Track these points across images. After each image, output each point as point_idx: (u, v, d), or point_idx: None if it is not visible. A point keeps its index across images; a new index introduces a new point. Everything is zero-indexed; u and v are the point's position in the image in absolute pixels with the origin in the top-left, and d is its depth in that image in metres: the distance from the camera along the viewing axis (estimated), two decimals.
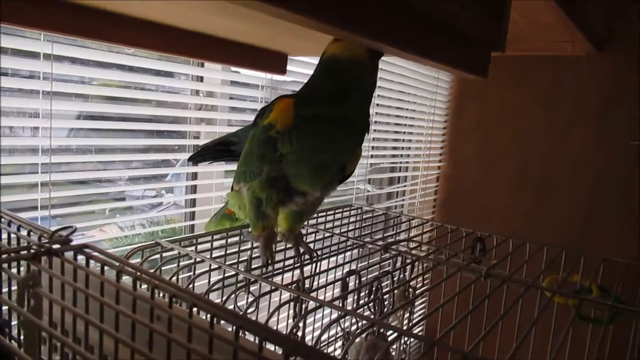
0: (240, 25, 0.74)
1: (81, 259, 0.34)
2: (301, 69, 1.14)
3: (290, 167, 0.62)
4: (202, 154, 0.80)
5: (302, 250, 0.68)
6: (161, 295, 0.32)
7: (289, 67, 1.01)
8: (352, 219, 0.93)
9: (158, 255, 0.65)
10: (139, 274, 0.30)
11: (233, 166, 0.79)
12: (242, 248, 0.72)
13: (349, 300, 0.69)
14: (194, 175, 1.12)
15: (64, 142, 0.87)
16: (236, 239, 0.75)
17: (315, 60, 1.15)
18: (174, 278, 0.61)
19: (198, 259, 0.64)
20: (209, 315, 0.28)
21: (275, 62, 1.00)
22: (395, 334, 0.47)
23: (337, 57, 0.62)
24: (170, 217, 1.14)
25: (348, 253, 0.74)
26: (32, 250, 0.33)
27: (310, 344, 0.33)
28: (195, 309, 0.28)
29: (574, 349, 0.75)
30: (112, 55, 0.86)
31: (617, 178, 1.46)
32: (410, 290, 0.73)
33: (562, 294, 0.68)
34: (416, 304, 1.20)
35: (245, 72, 1.10)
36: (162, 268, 0.64)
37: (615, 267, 0.79)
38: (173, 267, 0.65)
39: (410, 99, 1.57)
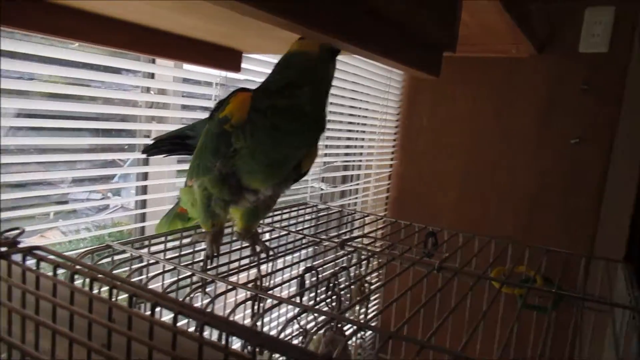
0: (197, 22, 0.73)
1: (31, 263, 0.32)
2: (256, 67, 1.13)
3: (244, 163, 0.61)
4: (157, 146, 0.78)
5: (258, 248, 0.67)
6: (119, 297, 0.31)
7: (243, 65, 1.00)
8: (307, 217, 0.94)
9: (109, 259, 0.63)
10: (96, 274, 0.29)
11: (185, 166, 0.78)
12: (197, 248, 0.71)
13: (307, 297, 0.69)
14: (145, 176, 1.09)
15: (2, 142, 0.82)
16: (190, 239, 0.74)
17: (270, 58, 1.15)
18: None
19: (151, 261, 0.62)
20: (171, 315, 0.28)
21: (229, 59, 0.99)
22: (353, 329, 0.48)
23: (290, 52, 0.62)
24: (117, 220, 1.10)
25: (305, 251, 0.75)
26: None
27: None
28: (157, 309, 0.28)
29: (520, 336, 0.79)
30: (55, 50, 0.82)
31: (558, 174, 1.54)
32: (366, 285, 0.75)
33: (509, 285, 0.72)
34: (371, 298, 1.22)
35: (198, 70, 1.07)
36: (114, 272, 0.62)
37: (556, 259, 0.84)
38: (125, 271, 0.63)
39: (363, 97, 1.59)
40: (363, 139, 1.66)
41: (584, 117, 1.50)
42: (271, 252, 0.68)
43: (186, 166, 0.74)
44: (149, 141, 0.88)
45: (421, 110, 1.77)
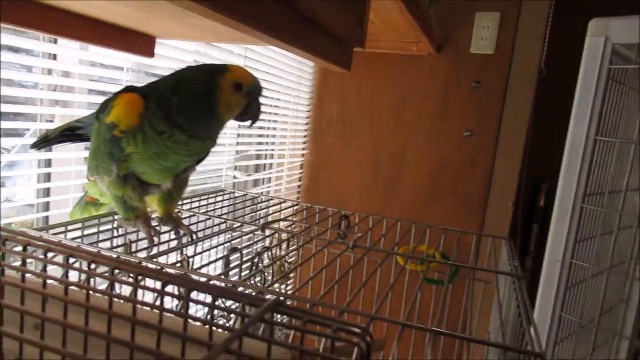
0: (112, 5, 0.71)
1: None
2: (170, 52, 1.11)
3: (137, 166, 0.61)
4: (46, 140, 0.75)
5: (182, 232, 0.69)
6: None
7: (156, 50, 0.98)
8: (225, 203, 0.95)
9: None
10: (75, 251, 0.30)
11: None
12: (115, 234, 0.70)
13: (231, 277, 0.72)
14: (48, 162, 1.03)
15: None
16: (108, 226, 0.73)
17: (184, 44, 1.14)
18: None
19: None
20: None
21: (142, 44, 0.96)
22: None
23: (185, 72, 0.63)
24: (8, 213, 1.02)
25: (227, 235, 0.77)
26: None
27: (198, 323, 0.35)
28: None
29: (423, 307, 0.88)
30: None
31: (452, 163, 1.69)
32: (286, 264, 0.79)
33: (413, 260, 0.80)
34: (290, 277, 1.26)
35: (107, 53, 1.03)
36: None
37: (452, 238, 0.94)
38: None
39: (275, 88, 1.62)
40: (275, 129, 1.69)
41: (474, 112, 1.66)
42: (194, 235, 0.70)
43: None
44: (51, 126, 0.84)
45: (330, 102, 1.85)
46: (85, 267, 0.35)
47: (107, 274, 0.34)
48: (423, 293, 0.91)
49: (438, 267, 0.92)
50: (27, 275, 0.32)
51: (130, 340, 0.26)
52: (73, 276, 0.37)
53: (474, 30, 1.64)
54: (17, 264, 0.34)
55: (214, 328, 0.28)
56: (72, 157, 1.03)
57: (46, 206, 1.03)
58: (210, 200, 0.93)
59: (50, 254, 0.35)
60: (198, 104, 0.60)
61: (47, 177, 1.03)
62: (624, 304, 1.22)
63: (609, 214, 1.20)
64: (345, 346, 0.25)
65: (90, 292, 0.29)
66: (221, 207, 0.92)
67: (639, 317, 1.21)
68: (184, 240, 0.69)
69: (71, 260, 0.32)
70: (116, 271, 0.37)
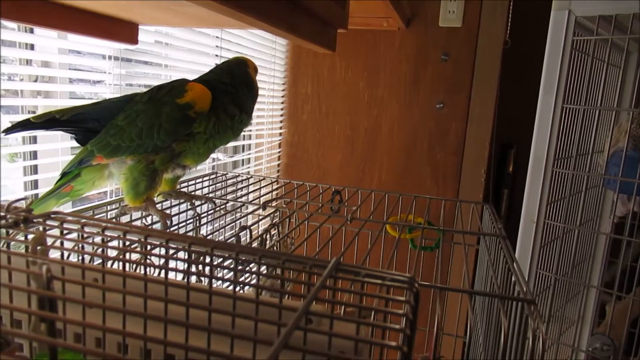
0: None
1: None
2: (151, 37, 1.11)
3: (194, 145, 0.68)
4: (23, 125, 0.74)
5: (197, 202, 0.73)
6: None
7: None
8: (218, 185, 0.98)
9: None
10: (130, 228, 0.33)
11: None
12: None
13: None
14: (34, 154, 1.03)
15: None
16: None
17: (168, 29, 1.13)
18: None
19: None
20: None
21: (124, 31, 0.96)
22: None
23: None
24: None
25: (231, 215, 0.80)
26: (9, 220, 0.32)
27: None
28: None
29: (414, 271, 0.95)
30: None
31: (426, 134, 1.76)
32: (289, 240, 0.83)
33: (401, 229, 0.85)
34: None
35: (87, 41, 1.02)
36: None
37: (437, 206, 1.00)
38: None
39: None
40: None
41: (445, 84, 1.72)
42: (214, 201, 0.75)
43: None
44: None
45: (304, 80, 1.87)
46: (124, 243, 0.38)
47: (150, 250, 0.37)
48: (410, 258, 0.97)
49: (426, 234, 0.99)
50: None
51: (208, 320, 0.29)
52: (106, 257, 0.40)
53: (441, 4, 1.69)
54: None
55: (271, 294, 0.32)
56: (59, 147, 1.03)
57: (35, 198, 1.03)
58: (205, 184, 0.95)
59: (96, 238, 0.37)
60: (250, 90, 0.77)
61: (34, 170, 1.03)
62: (591, 257, 1.33)
63: (577, 175, 1.29)
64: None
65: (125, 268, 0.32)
66: (214, 190, 0.94)
67: (603, 268, 1.33)
68: (199, 210, 0.74)
69: (112, 239, 0.35)
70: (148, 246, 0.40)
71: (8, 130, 0.74)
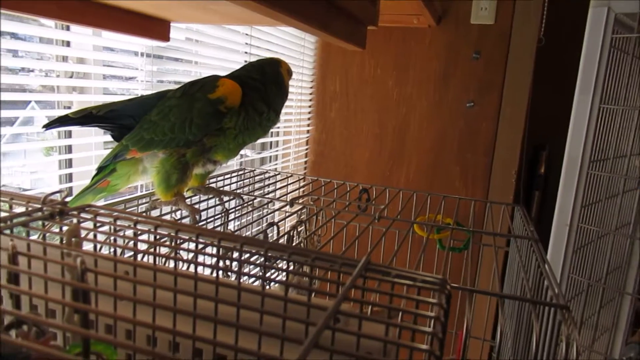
0: None
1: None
2: (182, 34, 1.12)
3: (224, 140, 0.68)
4: (61, 120, 0.77)
5: (225, 198, 0.74)
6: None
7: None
8: (246, 182, 0.99)
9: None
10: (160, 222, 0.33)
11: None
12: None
13: None
14: (69, 149, 1.06)
15: None
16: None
17: (198, 26, 1.15)
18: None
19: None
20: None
21: (157, 28, 0.98)
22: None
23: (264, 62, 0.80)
24: None
25: (258, 211, 0.80)
26: (45, 212, 0.33)
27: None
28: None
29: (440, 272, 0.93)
30: None
31: (455, 134, 1.73)
32: (315, 237, 0.83)
33: (434, 229, 0.84)
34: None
35: (120, 38, 1.04)
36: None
37: (466, 207, 0.98)
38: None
39: None
40: None
41: (476, 83, 1.69)
42: (241, 196, 0.76)
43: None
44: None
45: (333, 77, 1.87)
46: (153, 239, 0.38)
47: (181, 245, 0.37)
48: (438, 259, 0.96)
49: (454, 235, 0.97)
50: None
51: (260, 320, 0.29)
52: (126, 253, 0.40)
53: (473, 2, 1.66)
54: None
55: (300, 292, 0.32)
56: (93, 142, 1.05)
57: (70, 191, 1.06)
58: (234, 179, 0.96)
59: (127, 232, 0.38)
60: (280, 89, 0.78)
61: (69, 163, 1.05)
62: (626, 263, 1.29)
63: (613, 178, 1.25)
64: None
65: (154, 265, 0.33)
66: (242, 187, 0.95)
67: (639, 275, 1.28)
68: (227, 205, 0.75)
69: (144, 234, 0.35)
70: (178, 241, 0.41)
71: (48, 126, 0.77)
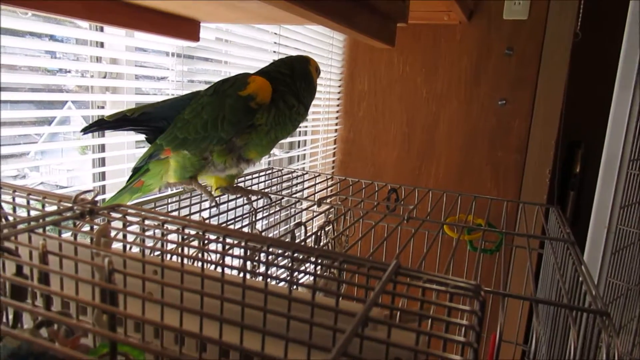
0: None
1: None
2: (212, 34, 1.13)
3: (256, 137, 0.69)
4: (98, 124, 0.80)
5: (253, 197, 0.74)
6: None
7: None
8: (274, 181, 0.99)
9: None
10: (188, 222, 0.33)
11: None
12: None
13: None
14: (102, 147, 1.08)
15: None
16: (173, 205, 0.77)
17: (228, 26, 1.16)
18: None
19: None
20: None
21: (187, 28, 0.99)
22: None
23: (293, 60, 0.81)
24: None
25: (285, 211, 0.80)
26: (76, 211, 0.33)
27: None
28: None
29: (469, 274, 0.91)
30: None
31: (487, 132, 1.69)
32: (343, 237, 0.82)
33: (465, 230, 0.82)
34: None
35: (152, 38, 1.06)
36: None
37: (497, 207, 0.96)
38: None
39: None
40: None
41: (508, 80, 1.64)
42: (269, 196, 0.77)
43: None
44: (103, 113, 0.89)
45: (362, 77, 1.85)
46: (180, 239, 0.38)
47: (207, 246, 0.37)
48: (469, 261, 0.94)
49: (486, 237, 0.95)
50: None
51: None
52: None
53: None
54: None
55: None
56: (125, 141, 1.07)
57: (102, 189, 1.08)
58: (262, 178, 0.96)
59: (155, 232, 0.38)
60: (309, 85, 0.78)
61: (102, 162, 1.08)
62: None
63: None
64: None
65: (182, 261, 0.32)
66: (270, 186, 0.95)
67: None
68: (255, 205, 0.75)
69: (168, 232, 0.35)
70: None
71: (85, 130, 0.79)
